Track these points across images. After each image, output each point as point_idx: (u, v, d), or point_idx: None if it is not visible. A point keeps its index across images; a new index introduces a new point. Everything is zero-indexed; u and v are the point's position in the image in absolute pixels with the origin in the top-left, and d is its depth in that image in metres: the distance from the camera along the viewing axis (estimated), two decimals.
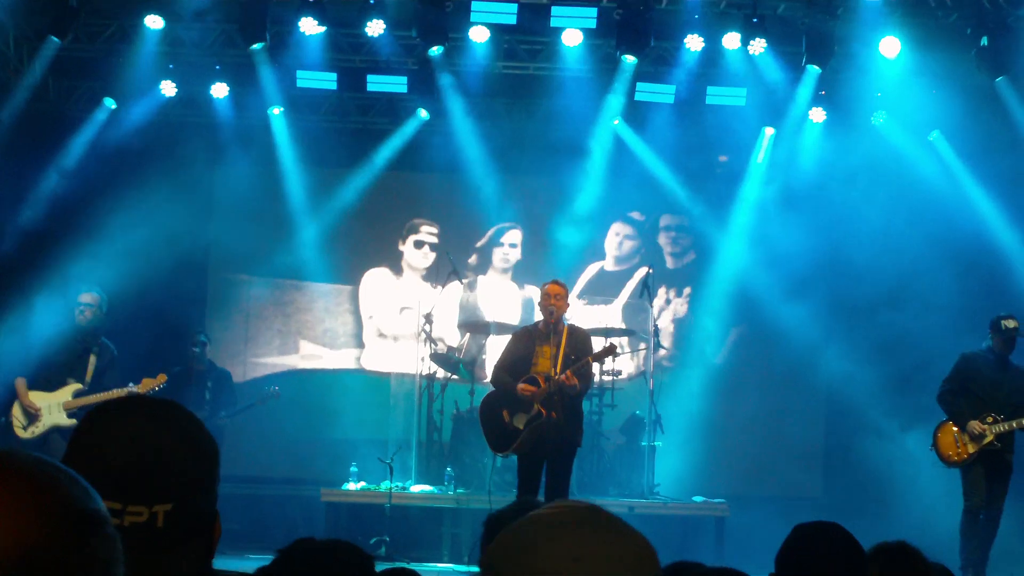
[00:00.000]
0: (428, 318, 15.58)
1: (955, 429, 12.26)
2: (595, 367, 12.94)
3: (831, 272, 17.11)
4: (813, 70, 15.70)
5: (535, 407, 11.67)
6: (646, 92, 16.47)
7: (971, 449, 12.07)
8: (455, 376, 15.66)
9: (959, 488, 12.35)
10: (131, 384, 13.04)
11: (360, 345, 17.81)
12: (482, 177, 17.18)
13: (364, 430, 16.64)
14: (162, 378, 13.22)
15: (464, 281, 16.34)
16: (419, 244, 18.11)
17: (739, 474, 16.53)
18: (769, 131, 17.00)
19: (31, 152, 16.14)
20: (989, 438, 12.02)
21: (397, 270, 18.11)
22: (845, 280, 16.76)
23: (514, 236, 18.23)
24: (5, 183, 15.75)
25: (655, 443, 15.30)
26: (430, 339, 15.68)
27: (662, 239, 18.37)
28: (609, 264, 18.26)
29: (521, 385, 11.71)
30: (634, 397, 15.88)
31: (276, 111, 16.83)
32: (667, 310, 17.95)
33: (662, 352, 16.47)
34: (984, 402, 12.20)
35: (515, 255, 18.17)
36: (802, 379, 17.00)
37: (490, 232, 18.15)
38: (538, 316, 16.90)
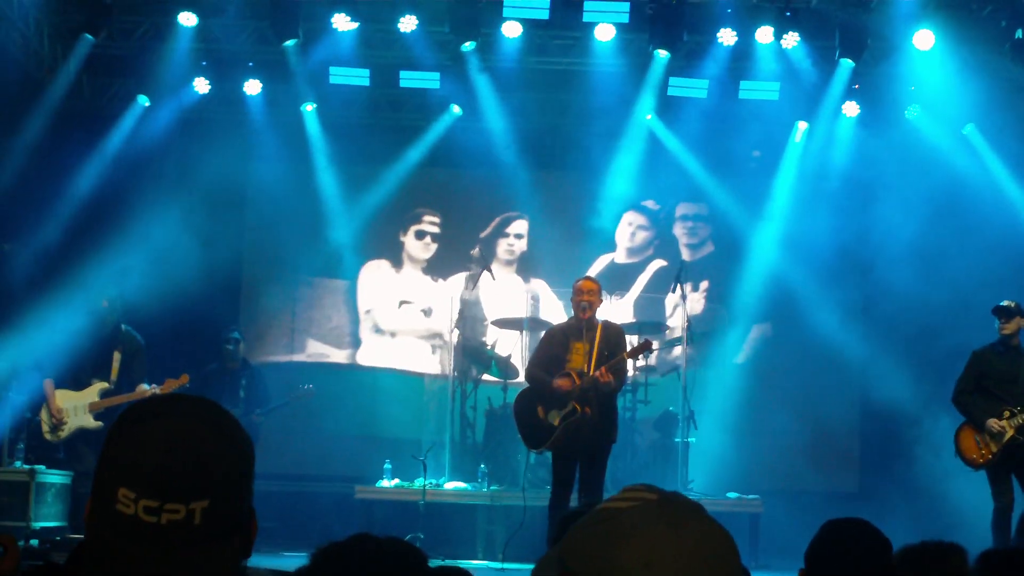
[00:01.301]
0: (461, 314, 15.58)
1: (974, 431, 12.13)
2: (629, 363, 12.88)
3: (864, 267, 17.08)
4: (846, 64, 15.69)
5: (570, 404, 11.64)
6: (679, 87, 16.48)
7: (994, 448, 11.92)
8: (487, 375, 15.64)
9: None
10: (153, 385, 13.05)
11: (357, 343, 17.81)
12: (514, 173, 17.13)
13: (398, 428, 16.65)
14: (184, 379, 13.24)
15: (495, 278, 16.23)
16: (420, 234, 18.00)
17: (774, 470, 16.44)
18: (802, 125, 16.92)
19: (66, 150, 16.20)
20: (1010, 433, 11.87)
21: (397, 263, 18.01)
22: (879, 274, 16.69)
23: (520, 226, 18.05)
24: (40, 181, 15.82)
25: (689, 439, 15.27)
26: (463, 334, 15.66)
27: (678, 229, 18.13)
28: (621, 256, 18.03)
29: (557, 380, 11.68)
30: (667, 393, 15.83)
31: (309, 107, 16.85)
32: (682, 305, 17.74)
33: (680, 350, 16.32)
34: (999, 397, 12.05)
35: (520, 246, 17.99)
36: (836, 375, 16.92)
37: (495, 222, 18.03)
38: (549, 312, 17.01)
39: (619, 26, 15.67)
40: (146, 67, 16.24)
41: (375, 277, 17.94)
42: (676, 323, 16.98)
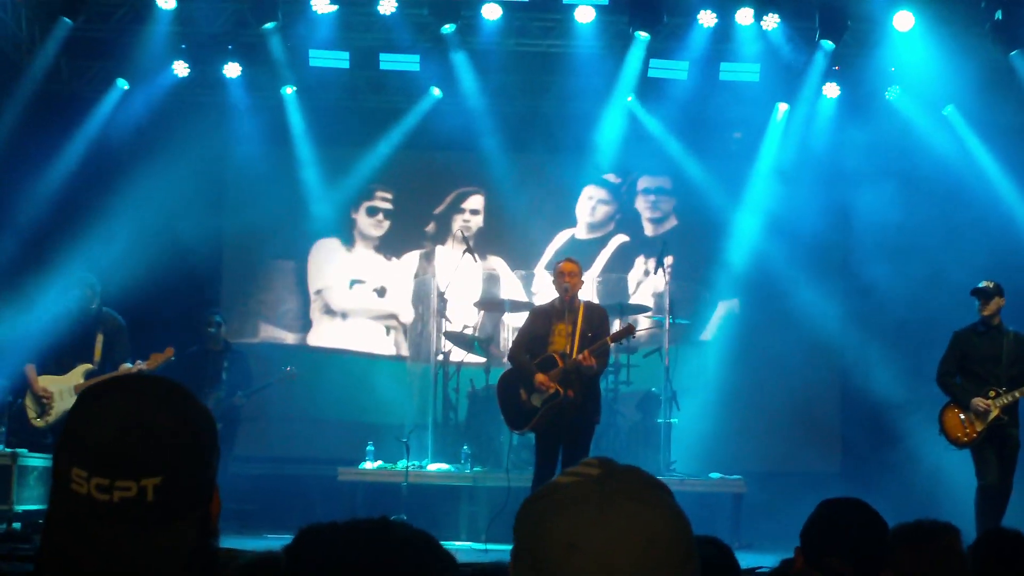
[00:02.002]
0: (442, 296, 15.56)
1: (959, 410, 12.17)
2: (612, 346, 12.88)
3: (843, 246, 17.10)
4: (827, 45, 15.69)
5: (552, 385, 11.66)
6: (659, 68, 16.48)
7: (979, 428, 11.96)
8: (471, 355, 15.63)
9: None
10: (138, 362, 13.05)
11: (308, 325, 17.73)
12: (489, 154, 17.08)
13: (380, 410, 16.61)
14: (170, 351, 13.22)
15: (478, 260, 16.17)
16: (372, 211, 17.86)
17: (756, 450, 16.46)
18: (783, 107, 16.93)
19: (44, 133, 16.13)
20: (995, 413, 11.92)
21: (348, 241, 17.88)
22: (858, 254, 16.73)
23: (475, 202, 17.90)
24: (18, 164, 15.76)
25: (671, 420, 15.29)
26: (444, 317, 15.64)
27: (640, 203, 17.97)
28: (581, 232, 17.86)
29: (539, 376, 11.69)
30: (649, 374, 15.82)
31: (289, 90, 16.81)
32: (646, 282, 17.62)
33: (648, 328, 16.22)
34: (983, 378, 12.09)
35: (476, 222, 17.83)
36: (816, 354, 16.93)
37: (450, 197, 17.91)
38: (507, 292, 16.96)
39: (599, 8, 15.67)
40: (125, 50, 16.19)
41: (324, 256, 17.80)
42: (640, 301, 16.96)
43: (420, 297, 17.27)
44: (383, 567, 2.90)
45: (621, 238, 17.69)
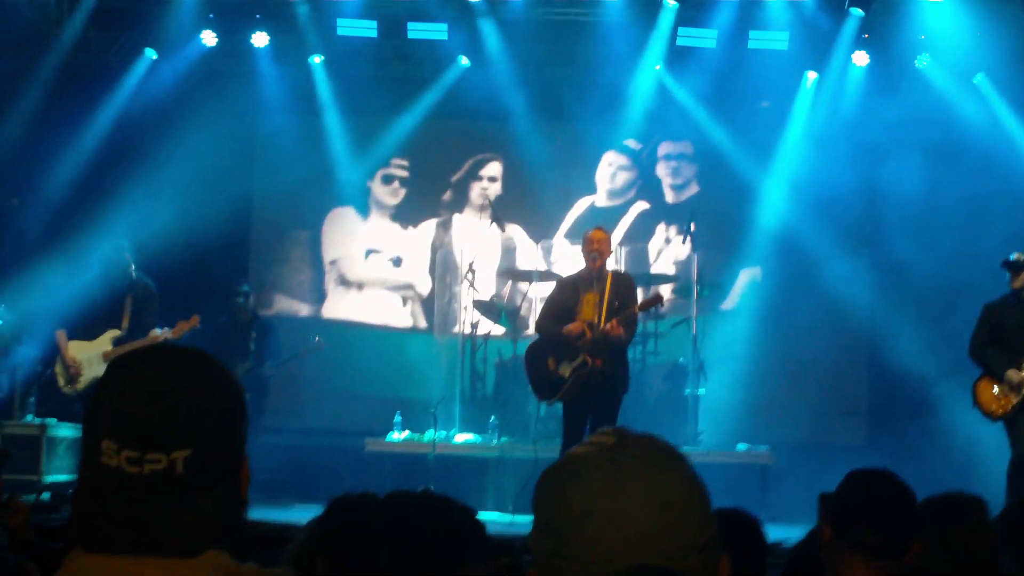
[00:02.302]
0: (471, 266, 15.54)
1: (993, 382, 12.13)
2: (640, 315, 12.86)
3: (872, 216, 17.01)
4: (856, 13, 15.59)
5: (581, 355, 11.66)
6: (688, 37, 16.39)
7: (1014, 400, 11.91)
8: (498, 325, 15.62)
9: (1004, 435, 12.23)
10: (165, 329, 13.06)
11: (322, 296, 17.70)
12: (516, 122, 17.04)
13: (405, 382, 16.64)
14: (195, 319, 13.23)
15: (505, 229, 16.12)
16: (388, 179, 17.81)
17: (783, 421, 16.40)
18: (812, 75, 16.84)
19: (73, 103, 16.18)
20: None
21: (363, 210, 17.81)
22: (887, 224, 16.65)
23: (494, 168, 17.78)
24: (47, 134, 15.81)
25: (699, 391, 15.27)
26: (472, 287, 15.62)
27: (661, 170, 17.79)
28: (601, 199, 17.71)
29: (567, 326, 11.70)
30: (677, 344, 15.80)
31: (317, 60, 16.79)
32: (667, 250, 17.51)
33: (669, 297, 16.12)
34: (1016, 349, 12.05)
35: (495, 189, 17.68)
36: (842, 325, 16.88)
37: (467, 164, 17.82)
38: (525, 261, 16.90)
39: None
40: (153, 20, 16.21)
41: (339, 226, 17.74)
42: (661, 270, 16.81)
43: (447, 267, 17.21)
44: (421, 547, 2.90)
45: (642, 205, 17.58)
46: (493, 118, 16.99)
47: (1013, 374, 11.89)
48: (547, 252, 17.20)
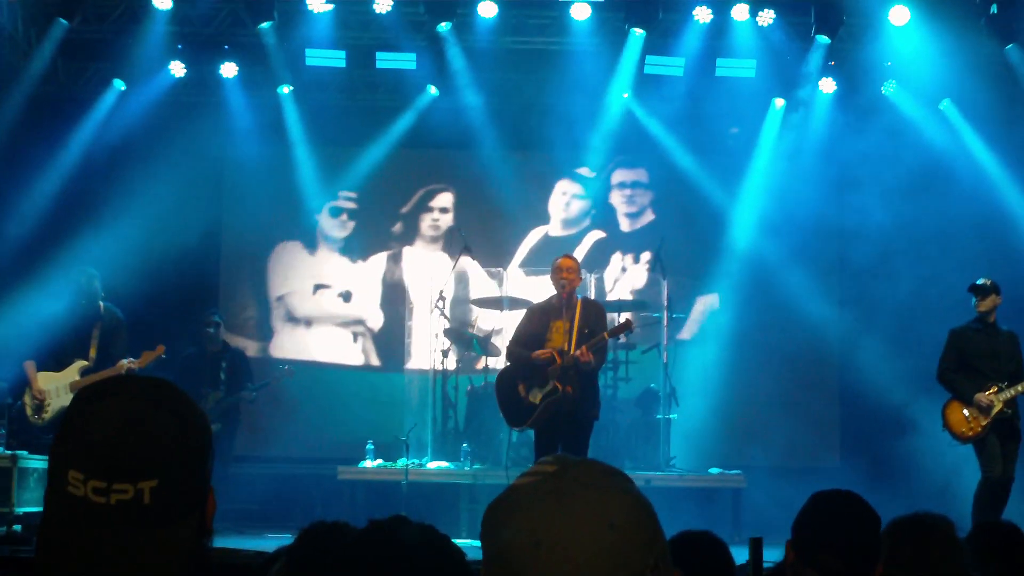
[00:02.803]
0: (441, 295, 15.55)
1: (961, 405, 12.23)
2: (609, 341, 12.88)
3: (840, 241, 17.10)
4: (822, 40, 15.68)
5: (551, 382, 11.67)
6: (656, 65, 16.46)
7: (983, 422, 12.03)
8: (469, 353, 15.64)
9: (974, 456, 12.31)
10: (131, 359, 13.00)
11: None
12: (492, 152, 17.07)
13: (379, 408, 16.64)
14: (160, 349, 13.18)
15: (475, 258, 16.12)
16: (336, 211, 17.69)
17: (755, 445, 16.44)
18: (779, 102, 16.93)
19: (41, 134, 16.16)
20: (998, 407, 12.00)
21: (311, 244, 17.71)
22: (856, 248, 16.76)
23: (444, 199, 17.76)
24: (16, 166, 15.79)
25: (670, 416, 15.30)
26: (443, 315, 15.62)
27: (615, 198, 17.82)
28: (555, 229, 17.73)
29: (537, 352, 11.72)
30: (648, 370, 15.83)
31: (286, 90, 16.81)
32: (623, 278, 17.46)
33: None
34: (983, 373, 12.17)
35: (446, 221, 17.65)
36: (813, 350, 16.96)
37: (417, 195, 17.81)
38: (479, 292, 16.89)
39: (595, 4, 15.63)
40: (121, 51, 16.19)
41: (286, 261, 17.66)
42: (617, 298, 16.69)
43: (399, 300, 17.12)
44: (394, 569, 2.90)
45: (597, 234, 17.61)
46: (450, 148, 17.10)
47: (982, 397, 12.01)
48: (501, 282, 17.07)
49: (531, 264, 17.15)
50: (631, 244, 17.30)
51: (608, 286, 17.30)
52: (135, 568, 2.26)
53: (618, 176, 17.80)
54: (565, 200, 17.77)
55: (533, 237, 17.64)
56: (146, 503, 2.25)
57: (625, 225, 17.68)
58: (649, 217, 17.68)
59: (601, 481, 2.05)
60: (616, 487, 2.05)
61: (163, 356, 13.24)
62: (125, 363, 12.91)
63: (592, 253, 17.44)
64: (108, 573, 2.26)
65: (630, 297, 16.67)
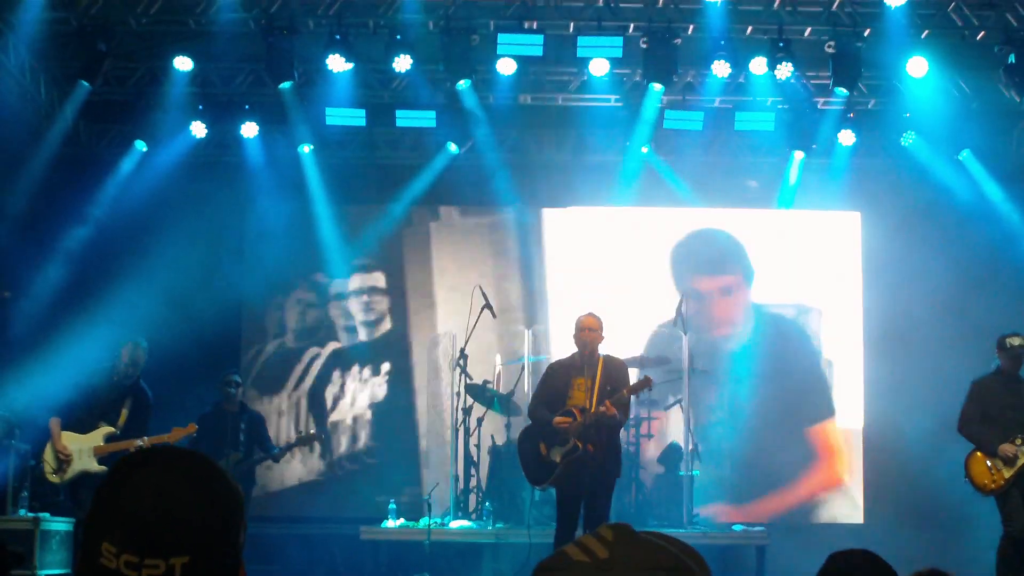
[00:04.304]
0: (462, 352, 15.52)
1: (984, 457, 12.14)
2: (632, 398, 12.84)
3: (861, 288, 17.11)
4: (841, 93, 15.68)
5: (571, 440, 11.64)
6: (675, 119, 16.49)
7: (1006, 474, 11.95)
8: (490, 411, 15.60)
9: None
10: (144, 439, 12.94)
11: None
12: (515, 208, 17.16)
13: (401, 466, 16.63)
14: (192, 427, 13.24)
15: (495, 315, 16.11)
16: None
17: (778, 501, 16.40)
18: (799, 155, 16.92)
19: (64, 195, 16.25)
20: (1022, 460, 11.92)
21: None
22: (874, 294, 16.79)
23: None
24: (38, 226, 15.86)
25: (693, 472, 15.25)
26: (464, 372, 15.60)
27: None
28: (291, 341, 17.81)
29: (557, 418, 11.69)
30: (671, 427, 15.81)
31: (306, 149, 16.88)
32: (684, 338, 17.35)
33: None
34: (1005, 425, 12.09)
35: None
36: (836, 402, 16.93)
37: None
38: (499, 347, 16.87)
39: (613, 60, 15.64)
40: (143, 112, 16.30)
41: None
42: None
43: (439, 351, 17.17)
44: None
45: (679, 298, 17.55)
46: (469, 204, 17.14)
47: (1007, 448, 11.95)
48: (523, 340, 16.98)
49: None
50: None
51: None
52: None
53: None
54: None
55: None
56: None
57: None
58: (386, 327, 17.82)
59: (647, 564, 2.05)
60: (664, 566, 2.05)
61: (193, 434, 13.29)
62: (141, 443, 12.86)
63: (676, 314, 16.87)
64: None
65: (687, 356, 16.50)
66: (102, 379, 13.25)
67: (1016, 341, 12.22)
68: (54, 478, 12.95)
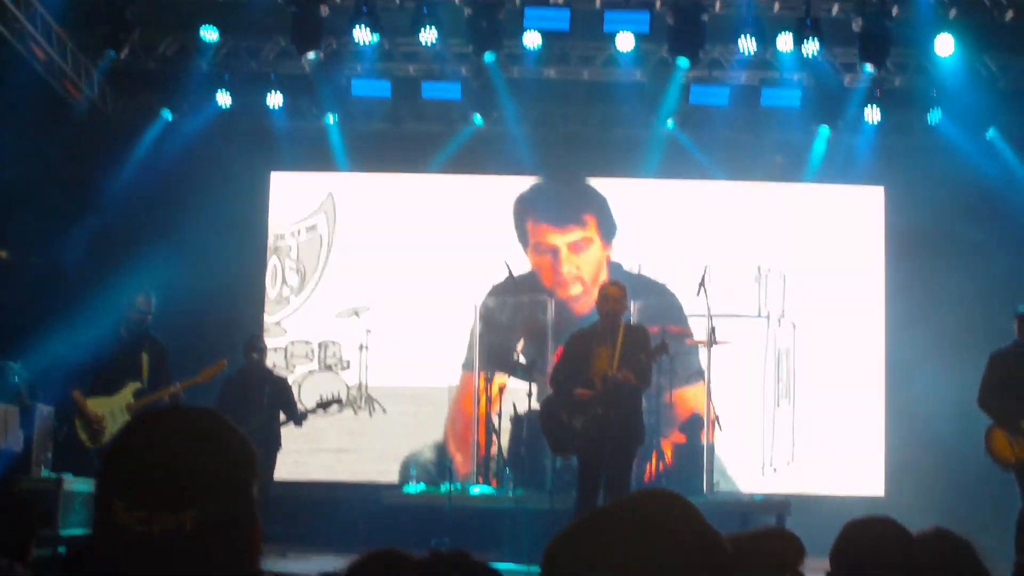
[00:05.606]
0: (485, 321, 15.53)
1: (1005, 431, 12.09)
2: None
3: (885, 267, 17.12)
4: (868, 70, 15.65)
5: (593, 408, 11.65)
6: (700, 95, 16.47)
7: None
8: (512, 377, 15.62)
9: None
10: (177, 382, 12.99)
11: None
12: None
13: (421, 432, 16.67)
14: (222, 363, 13.14)
15: (519, 286, 16.11)
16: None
17: (800, 471, 16.44)
18: (824, 131, 16.90)
19: (90, 164, 16.32)
20: None
21: None
22: (901, 274, 16.81)
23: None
24: (64, 195, 15.91)
25: (713, 441, 15.27)
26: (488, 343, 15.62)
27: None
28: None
29: (579, 389, 11.70)
30: (691, 396, 15.85)
31: (331, 119, 16.90)
32: (707, 308, 17.43)
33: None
34: (1023, 398, 12.03)
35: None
36: (859, 375, 16.92)
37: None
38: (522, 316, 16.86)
39: (639, 36, 15.62)
40: (169, 82, 16.35)
41: None
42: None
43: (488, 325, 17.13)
44: None
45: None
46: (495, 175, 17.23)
47: None
48: (545, 310, 16.95)
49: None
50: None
51: None
52: None
53: None
54: None
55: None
56: (188, 532, 2.29)
57: None
58: None
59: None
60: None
61: (225, 369, 13.29)
62: (188, 381, 12.93)
63: (699, 285, 16.85)
64: None
65: (710, 325, 16.39)
66: (116, 335, 13.27)
67: None
68: (92, 444, 12.90)
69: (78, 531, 12.69)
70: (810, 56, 15.55)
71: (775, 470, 16.46)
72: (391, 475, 15.96)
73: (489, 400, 15.58)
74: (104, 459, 2.37)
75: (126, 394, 12.96)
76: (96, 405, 12.87)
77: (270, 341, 16.09)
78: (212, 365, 13.11)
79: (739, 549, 2.15)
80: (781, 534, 4.75)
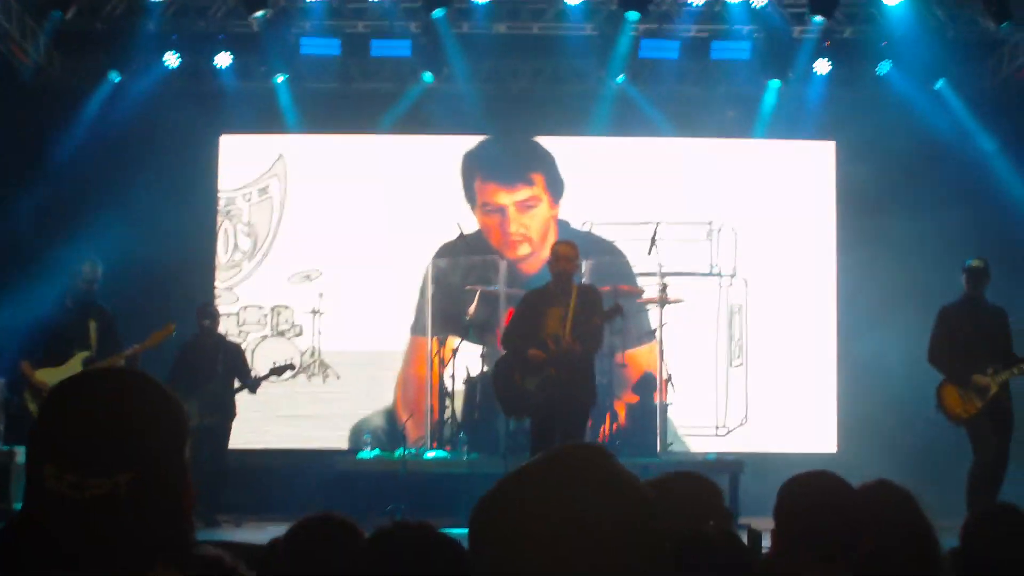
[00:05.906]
0: (436, 282, 15.50)
1: (957, 387, 12.15)
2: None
3: (833, 220, 17.15)
4: (817, 21, 15.63)
5: (546, 369, 11.67)
6: (650, 48, 16.41)
7: (978, 404, 11.96)
8: (464, 340, 15.58)
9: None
10: (135, 345, 12.94)
11: None
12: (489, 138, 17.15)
13: (375, 398, 16.64)
14: (170, 327, 13.09)
15: (470, 245, 16.07)
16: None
17: (753, 429, 16.51)
18: (774, 84, 16.87)
19: (36, 126, 16.17)
20: (994, 389, 11.94)
21: None
22: (849, 228, 16.83)
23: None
24: (9, 159, 15.78)
25: (667, 402, 15.30)
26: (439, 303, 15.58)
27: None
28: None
29: (532, 351, 11.72)
30: (644, 356, 15.86)
31: (280, 79, 16.77)
32: (659, 268, 17.44)
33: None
34: (974, 354, 12.08)
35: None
36: (810, 332, 16.97)
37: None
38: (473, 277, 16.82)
39: None
40: (116, 43, 16.17)
41: None
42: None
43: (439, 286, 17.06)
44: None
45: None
46: (446, 134, 17.14)
47: (979, 379, 11.95)
48: (497, 270, 16.84)
49: None
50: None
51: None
52: (114, 560, 2.29)
53: None
54: None
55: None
56: (122, 496, 2.27)
57: None
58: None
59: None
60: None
61: (172, 335, 13.21)
62: (136, 347, 12.87)
63: (649, 242, 16.74)
64: (87, 566, 2.28)
65: (662, 285, 16.32)
66: (62, 305, 13.20)
67: (975, 264, 12.24)
68: None
69: None
70: (760, 7, 15.54)
71: (728, 430, 16.51)
72: (345, 442, 15.94)
73: (442, 363, 15.55)
74: (35, 423, 2.36)
75: (74, 364, 12.91)
76: (45, 376, 12.81)
77: (222, 307, 15.98)
78: (160, 330, 13.05)
79: (658, 493, 2.14)
80: (695, 477, 4.83)
